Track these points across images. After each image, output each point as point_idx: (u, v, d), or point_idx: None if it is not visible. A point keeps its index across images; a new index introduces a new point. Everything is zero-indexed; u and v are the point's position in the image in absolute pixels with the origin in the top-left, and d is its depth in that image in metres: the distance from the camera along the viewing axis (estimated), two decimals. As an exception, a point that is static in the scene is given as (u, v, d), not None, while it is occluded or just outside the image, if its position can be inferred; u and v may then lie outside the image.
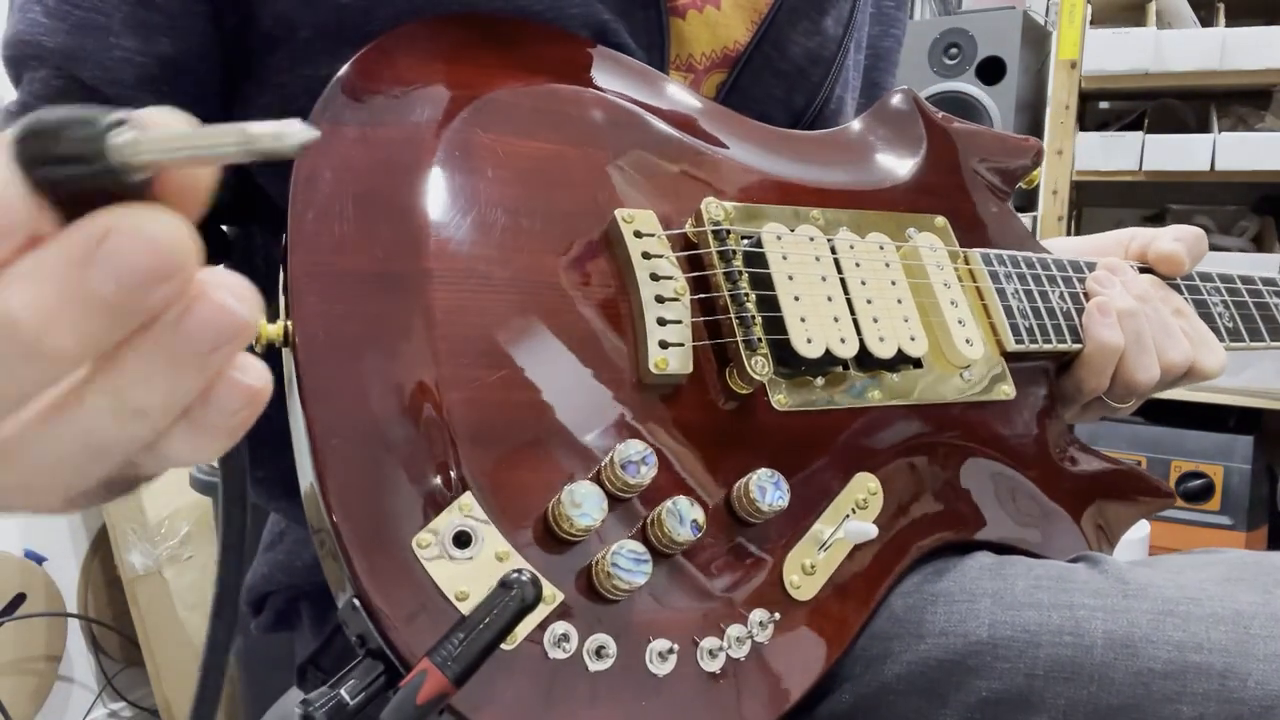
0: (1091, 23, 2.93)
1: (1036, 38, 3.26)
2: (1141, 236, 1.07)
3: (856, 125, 1.00)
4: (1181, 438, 2.84)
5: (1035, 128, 3.15)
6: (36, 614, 2.45)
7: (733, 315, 0.76)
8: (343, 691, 0.59)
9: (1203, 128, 2.96)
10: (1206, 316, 1.06)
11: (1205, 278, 1.10)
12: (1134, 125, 3.08)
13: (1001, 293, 0.92)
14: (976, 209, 0.99)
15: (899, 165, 0.97)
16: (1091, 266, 1.00)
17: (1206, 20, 2.96)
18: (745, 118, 0.93)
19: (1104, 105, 3.41)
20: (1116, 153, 2.90)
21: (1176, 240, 1.04)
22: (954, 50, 3.14)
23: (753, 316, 0.77)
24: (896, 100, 1.02)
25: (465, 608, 0.61)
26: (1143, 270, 1.04)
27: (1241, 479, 2.77)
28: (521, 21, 0.83)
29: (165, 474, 0.75)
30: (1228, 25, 2.87)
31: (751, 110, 0.95)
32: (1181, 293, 1.05)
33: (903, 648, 0.78)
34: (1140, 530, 2.51)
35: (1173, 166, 2.83)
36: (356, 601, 0.60)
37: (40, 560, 2.43)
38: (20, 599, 2.33)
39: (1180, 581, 0.77)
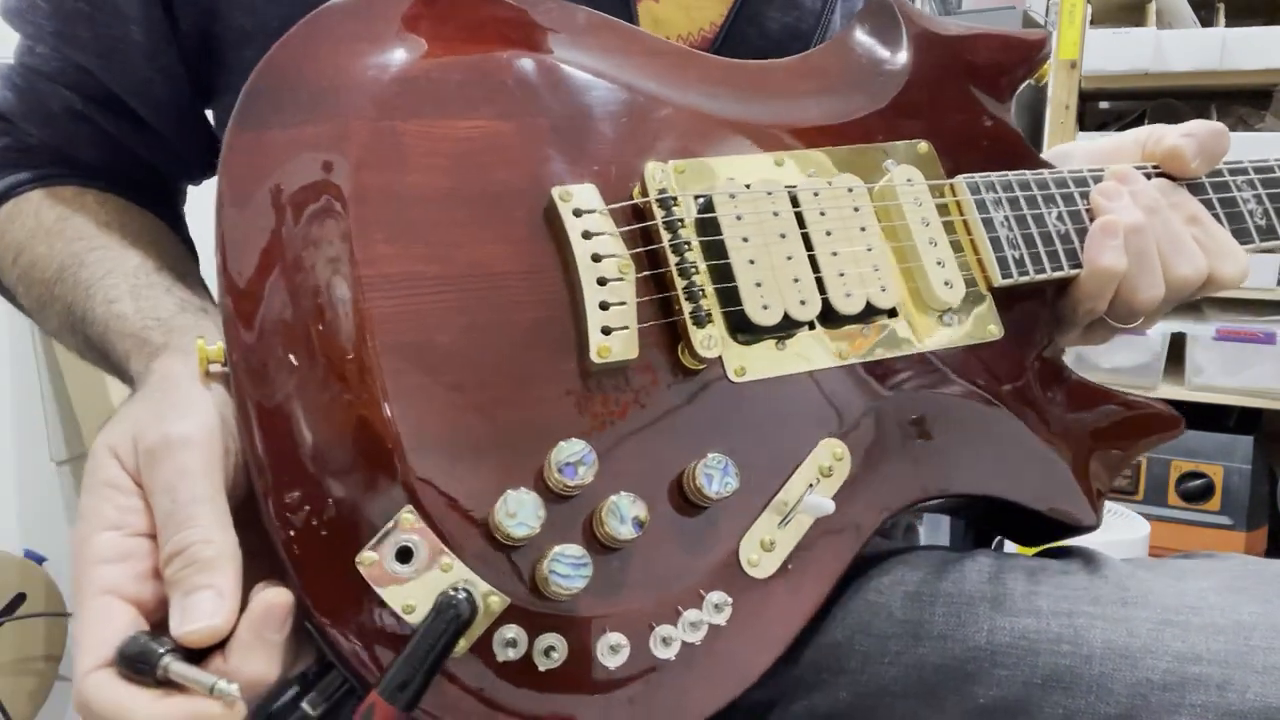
0: (1091, 23, 2.93)
1: (1036, 37, 3.24)
2: (1157, 133, 0.99)
3: (833, 44, 0.94)
4: (1181, 438, 2.80)
5: (1035, 128, 3.14)
6: (36, 614, 2.44)
7: (679, 289, 0.73)
8: (305, 704, 0.61)
9: (1203, 127, 2.94)
10: (1235, 215, 0.99)
11: (1237, 170, 1.02)
12: (1134, 125, 3.05)
13: (989, 222, 0.87)
14: (967, 125, 0.93)
15: (880, 86, 0.91)
16: (1099, 177, 0.94)
17: (1206, 20, 2.94)
18: (712, 57, 0.88)
19: (1104, 105, 3.38)
20: (1117, 152, 2.87)
21: (1185, 135, 0.96)
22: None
23: (701, 288, 0.74)
24: (877, 8, 0.95)
25: (413, 619, 0.62)
26: (1158, 173, 0.97)
27: (1241, 479, 2.77)
28: None
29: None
30: (1228, 25, 2.86)
31: None
32: (1207, 192, 0.98)
33: (900, 648, 0.78)
34: (1140, 530, 2.50)
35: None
36: (308, 625, 0.62)
37: (40, 560, 2.44)
38: (20, 599, 2.33)
39: (1181, 589, 0.77)
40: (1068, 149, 1.04)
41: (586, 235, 0.72)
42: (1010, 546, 0.96)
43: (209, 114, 1.00)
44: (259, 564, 0.62)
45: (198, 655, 0.59)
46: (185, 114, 0.96)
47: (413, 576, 0.62)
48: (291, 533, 0.62)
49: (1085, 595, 0.77)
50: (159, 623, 0.60)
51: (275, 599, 0.60)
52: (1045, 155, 0.99)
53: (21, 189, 0.94)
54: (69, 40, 0.89)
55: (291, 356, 0.65)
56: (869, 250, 0.81)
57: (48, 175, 0.95)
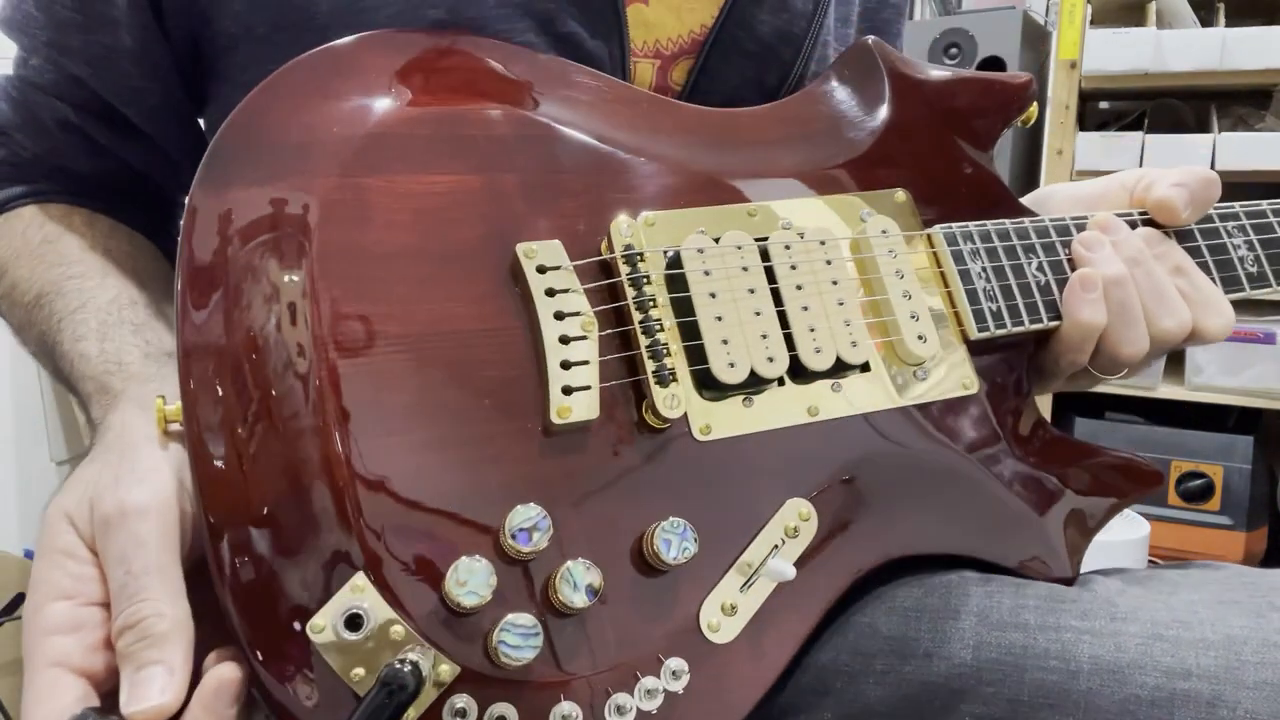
0: (1091, 23, 2.94)
1: (1036, 38, 3.23)
2: (1147, 179, 0.97)
3: (813, 90, 0.93)
4: (1181, 438, 2.84)
5: (1035, 128, 3.14)
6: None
7: (643, 348, 0.72)
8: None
9: (1203, 128, 2.93)
10: (1225, 262, 0.97)
11: (1227, 215, 0.99)
12: (1134, 125, 3.05)
13: (966, 274, 0.86)
14: (946, 173, 0.91)
15: (857, 133, 0.90)
16: (1082, 225, 0.92)
17: (1206, 20, 2.93)
18: (685, 105, 0.87)
19: (1104, 105, 3.37)
20: (1116, 153, 2.87)
21: (1177, 185, 0.94)
22: (954, 50, 3.13)
23: (665, 346, 0.73)
24: (858, 54, 0.94)
25: (361, 687, 0.61)
26: (1145, 220, 0.95)
27: (1241, 479, 2.76)
28: (427, 34, 0.79)
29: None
30: (1228, 25, 2.85)
31: (723, 93, 0.92)
32: (1196, 238, 0.96)
33: (886, 666, 0.77)
34: (1140, 530, 2.49)
35: (1173, 166, 2.77)
36: (255, 692, 0.61)
37: (41, 560, 2.44)
38: (20, 599, 2.33)
39: (1171, 603, 0.76)
40: (1050, 192, 1.02)
41: (550, 292, 0.71)
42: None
43: (202, 121, 0.99)
44: (214, 625, 0.62)
45: None
46: (180, 121, 0.95)
47: (362, 643, 0.61)
48: (241, 596, 0.61)
49: (1073, 609, 0.76)
50: (111, 692, 0.60)
51: (227, 674, 0.60)
52: (1027, 199, 0.98)
53: (12, 204, 0.94)
54: (62, 50, 0.89)
55: (246, 416, 0.64)
56: (840, 304, 0.80)
57: (40, 191, 0.95)
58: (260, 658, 0.61)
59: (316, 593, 0.62)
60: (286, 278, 0.67)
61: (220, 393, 0.64)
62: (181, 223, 0.69)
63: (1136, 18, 2.99)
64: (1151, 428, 2.90)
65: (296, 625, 0.61)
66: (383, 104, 0.74)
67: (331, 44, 0.76)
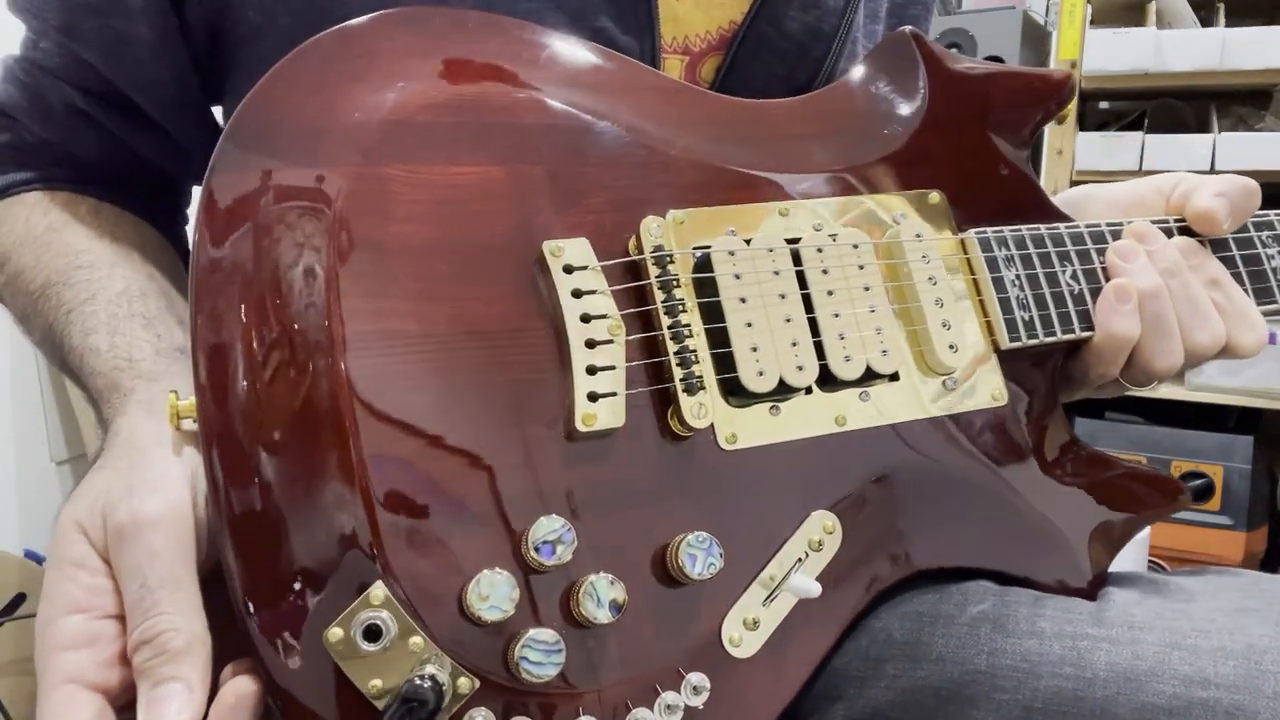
0: (1091, 23, 2.93)
1: (1036, 38, 3.23)
2: (1185, 185, 0.94)
3: (848, 82, 0.90)
4: (1181, 438, 2.84)
5: (1034, 127, 3.14)
6: (36, 614, 2.45)
7: (671, 354, 0.70)
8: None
9: (1203, 128, 2.93)
10: (1258, 273, 0.95)
11: (1262, 225, 0.96)
12: (1134, 125, 3.05)
13: (999, 282, 0.83)
14: (982, 173, 0.89)
15: (892, 129, 0.87)
16: (1117, 232, 0.89)
17: (1206, 20, 2.93)
18: (716, 96, 0.84)
19: (1104, 105, 3.37)
20: (1117, 153, 2.88)
21: (1218, 195, 0.91)
22: (954, 50, 3.12)
23: (694, 352, 0.70)
24: (895, 45, 0.91)
25: (380, 700, 0.60)
26: (1180, 228, 0.92)
27: (1241, 479, 2.77)
28: (448, 13, 0.75)
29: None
30: (1228, 25, 2.85)
31: (752, 91, 0.89)
32: (1230, 248, 0.94)
33: (898, 671, 0.76)
34: (1140, 530, 2.49)
35: (1173, 166, 2.75)
36: (271, 701, 0.60)
37: (40, 560, 2.43)
38: (20, 599, 2.31)
39: (1190, 611, 0.74)
40: (1085, 194, 1.00)
41: (576, 294, 0.69)
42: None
43: (216, 110, 0.97)
44: (230, 636, 0.60)
45: None
46: (192, 111, 0.94)
47: (381, 655, 0.60)
48: (258, 607, 0.60)
49: (1090, 617, 0.74)
50: (127, 705, 0.59)
51: (244, 688, 0.58)
52: (1061, 200, 0.96)
53: (16, 190, 0.92)
54: (74, 35, 0.86)
55: (263, 419, 0.62)
56: (872, 311, 0.78)
57: (45, 177, 0.93)
58: (275, 667, 0.59)
59: (334, 601, 0.60)
60: (304, 271, 0.65)
61: (234, 391, 0.62)
62: (197, 209, 0.66)
63: (1136, 18, 2.99)
64: (1151, 428, 2.91)
65: (313, 634, 0.60)
66: (405, 88, 0.71)
67: (347, 24, 0.72)
